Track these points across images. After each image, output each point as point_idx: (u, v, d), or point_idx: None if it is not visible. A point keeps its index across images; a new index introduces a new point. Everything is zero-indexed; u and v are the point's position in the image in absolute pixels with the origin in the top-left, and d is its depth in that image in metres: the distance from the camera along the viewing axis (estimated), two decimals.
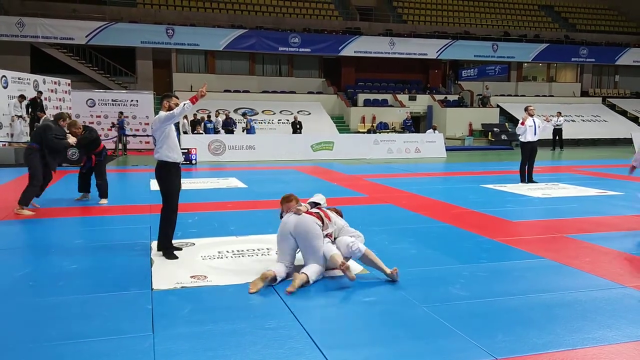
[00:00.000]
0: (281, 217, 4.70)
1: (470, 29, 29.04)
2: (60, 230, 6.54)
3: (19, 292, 4.12)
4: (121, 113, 18.66)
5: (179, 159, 5.20)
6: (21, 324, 3.49)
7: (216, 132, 18.69)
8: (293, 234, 4.40)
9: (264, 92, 25.54)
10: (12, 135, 15.16)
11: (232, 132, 18.89)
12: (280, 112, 23.65)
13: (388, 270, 4.37)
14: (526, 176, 10.32)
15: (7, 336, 3.28)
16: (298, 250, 4.53)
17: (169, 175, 5.09)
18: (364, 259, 4.50)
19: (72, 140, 7.75)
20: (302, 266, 4.42)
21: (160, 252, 5.09)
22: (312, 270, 4.27)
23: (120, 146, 17.92)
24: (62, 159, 13.36)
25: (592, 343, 3.20)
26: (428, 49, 26.66)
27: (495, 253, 5.40)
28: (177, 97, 5.23)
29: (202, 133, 17.94)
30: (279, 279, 4.26)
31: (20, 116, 15.16)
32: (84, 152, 8.49)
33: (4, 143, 14.74)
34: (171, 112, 5.01)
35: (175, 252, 5.10)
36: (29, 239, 6.23)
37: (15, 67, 18.28)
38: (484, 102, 26.34)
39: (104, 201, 8.20)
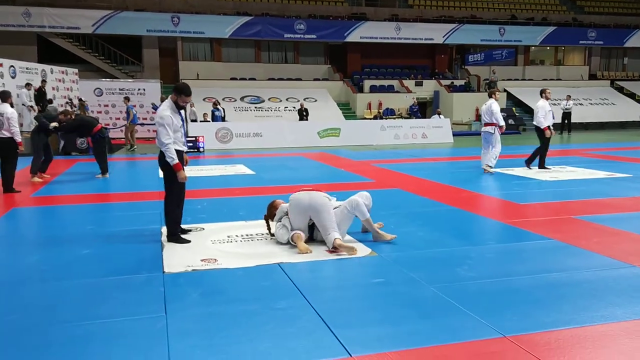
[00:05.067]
0: (271, 222, 5.24)
1: (476, 13, 28.76)
2: (72, 216, 6.63)
3: (33, 277, 4.20)
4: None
5: (183, 148, 5.19)
6: (36, 306, 3.56)
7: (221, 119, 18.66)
8: (308, 209, 4.81)
9: (270, 79, 25.49)
10: (21, 125, 15.25)
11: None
12: (287, 99, 23.61)
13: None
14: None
15: (23, 318, 3.34)
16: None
17: (169, 164, 5.08)
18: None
19: (53, 124, 9.67)
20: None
21: (171, 237, 5.14)
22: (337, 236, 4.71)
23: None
24: (73, 147, 13.66)
25: (600, 321, 3.22)
26: (434, 33, 26.44)
27: (502, 235, 5.42)
28: (188, 96, 5.09)
29: (209, 121, 17.97)
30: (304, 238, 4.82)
31: (31, 106, 15.22)
32: (79, 136, 11.13)
33: None
34: (165, 144, 4.89)
35: (186, 236, 5.16)
36: (41, 225, 6.31)
37: (22, 57, 18.35)
38: (491, 86, 26.14)
39: (99, 176, 9.63)
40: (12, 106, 8.36)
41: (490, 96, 9.86)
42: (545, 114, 9.76)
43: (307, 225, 4.92)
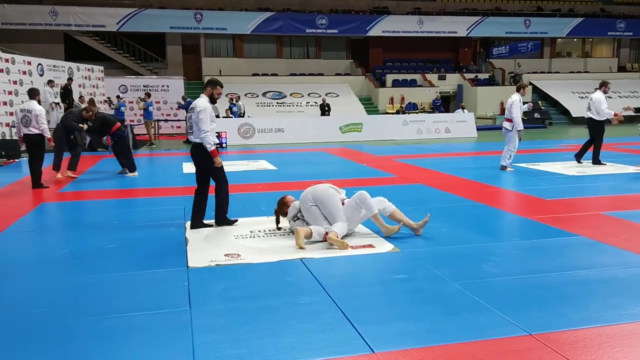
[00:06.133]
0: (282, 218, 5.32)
1: (501, 5, 28.29)
2: (98, 211, 6.75)
3: (60, 271, 4.28)
4: None
5: (215, 141, 5.40)
6: (63, 300, 3.63)
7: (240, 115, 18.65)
8: (314, 202, 4.94)
9: (291, 74, 25.52)
10: (48, 122, 15.55)
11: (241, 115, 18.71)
12: (309, 94, 23.63)
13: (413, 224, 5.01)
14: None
15: (49, 312, 3.41)
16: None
17: (207, 154, 5.32)
18: (391, 216, 5.05)
19: (85, 127, 9.74)
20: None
21: (195, 230, 5.32)
22: (339, 227, 4.77)
23: None
24: (98, 144, 13.90)
25: (629, 319, 3.14)
26: (458, 26, 26.12)
27: (528, 231, 5.33)
28: (221, 86, 5.39)
29: (231, 117, 18.08)
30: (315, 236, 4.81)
31: (57, 103, 15.51)
32: (99, 135, 10.52)
33: None
34: (205, 131, 5.18)
35: (207, 230, 5.30)
36: (68, 220, 6.43)
37: (49, 55, 18.71)
38: (516, 80, 25.71)
39: (131, 174, 9.49)
40: (39, 103, 8.52)
41: (518, 90, 9.28)
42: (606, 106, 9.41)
43: (324, 218, 4.95)
